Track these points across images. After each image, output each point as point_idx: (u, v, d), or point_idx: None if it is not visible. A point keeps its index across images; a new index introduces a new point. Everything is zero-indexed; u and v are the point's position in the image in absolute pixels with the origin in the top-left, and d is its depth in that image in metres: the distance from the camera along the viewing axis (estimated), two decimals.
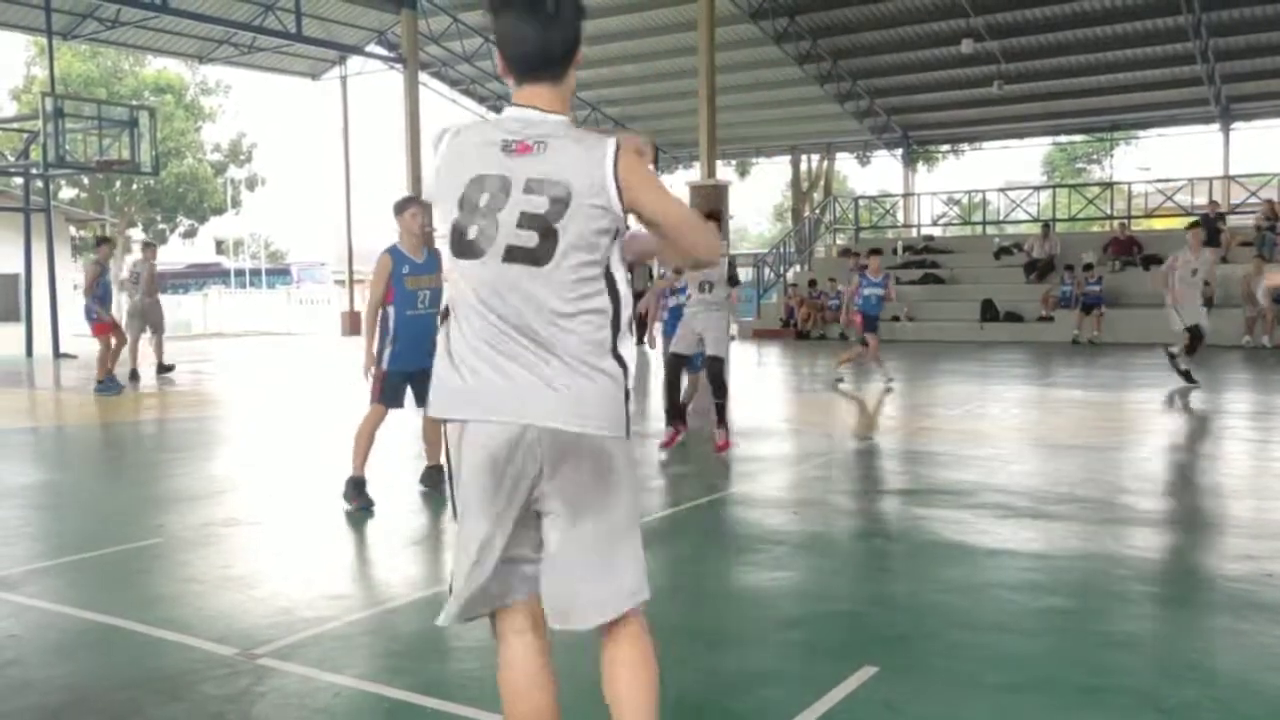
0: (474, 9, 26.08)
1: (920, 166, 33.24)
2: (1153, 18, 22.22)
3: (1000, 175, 49.52)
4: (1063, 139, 36.49)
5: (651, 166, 2.31)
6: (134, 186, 39.15)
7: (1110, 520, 5.51)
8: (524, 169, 2.16)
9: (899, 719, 3.08)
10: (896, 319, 21.77)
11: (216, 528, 5.55)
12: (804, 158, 34.48)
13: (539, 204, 2.14)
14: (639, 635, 2.35)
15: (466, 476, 2.20)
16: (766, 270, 26.62)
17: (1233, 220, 22.05)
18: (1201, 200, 23.52)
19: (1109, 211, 25.42)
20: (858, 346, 12.35)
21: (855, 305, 12.36)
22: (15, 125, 26.60)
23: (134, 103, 27.21)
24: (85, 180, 36.55)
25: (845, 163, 36.23)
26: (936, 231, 26.89)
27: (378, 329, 5.93)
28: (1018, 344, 19.21)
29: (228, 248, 53.11)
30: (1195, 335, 10.67)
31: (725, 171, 30.22)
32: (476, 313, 2.19)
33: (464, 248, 2.20)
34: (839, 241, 27.87)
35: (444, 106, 31.50)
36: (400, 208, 6.06)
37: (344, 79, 29.38)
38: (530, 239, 2.15)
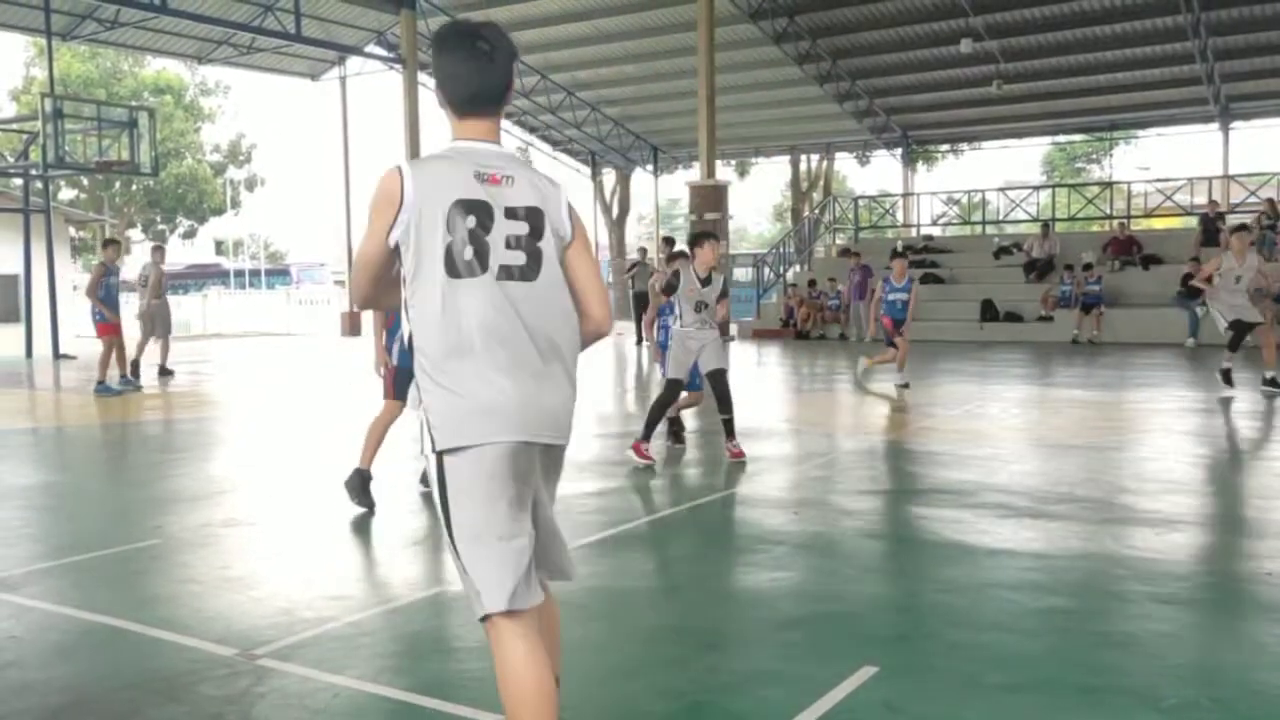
0: (473, 9, 26.09)
1: (920, 166, 33.25)
2: (1152, 17, 22.22)
3: (1000, 175, 49.60)
4: (1062, 138, 36.50)
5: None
6: (133, 187, 39.17)
7: (1110, 520, 5.51)
8: (500, 197, 2.38)
9: (899, 719, 3.08)
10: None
11: (216, 528, 5.55)
12: (803, 158, 34.50)
13: (521, 228, 2.38)
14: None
15: (502, 480, 2.34)
16: (766, 270, 26.62)
17: (1232, 219, 22.04)
18: (1201, 200, 23.52)
19: (1108, 211, 25.42)
20: (889, 349, 12.07)
21: (881, 310, 12.21)
22: (15, 126, 26.61)
23: (133, 103, 27.23)
24: (85, 181, 36.57)
25: (845, 162, 36.29)
26: (936, 231, 26.88)
27: (384, 326, 6.02)
28: (1017, 344, 19.22)
29: (227, 248, 53.14)
30: (1238, 329, 10.49)
31: (725, 171, 30.22)
32: (487, 329, 2.33)
33: (461, 267, 2.34)
34: (838, 241, 27.87)
35: None
36: None
37: (343, 79, 29.37)
38: (519, 258, 2.37)
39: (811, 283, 23.31)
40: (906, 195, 29.63)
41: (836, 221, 28.88)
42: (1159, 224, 26.54)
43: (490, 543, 2.34)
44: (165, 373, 14.75)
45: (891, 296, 12.06)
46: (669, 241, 19.28)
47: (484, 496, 2.33)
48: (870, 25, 24.33)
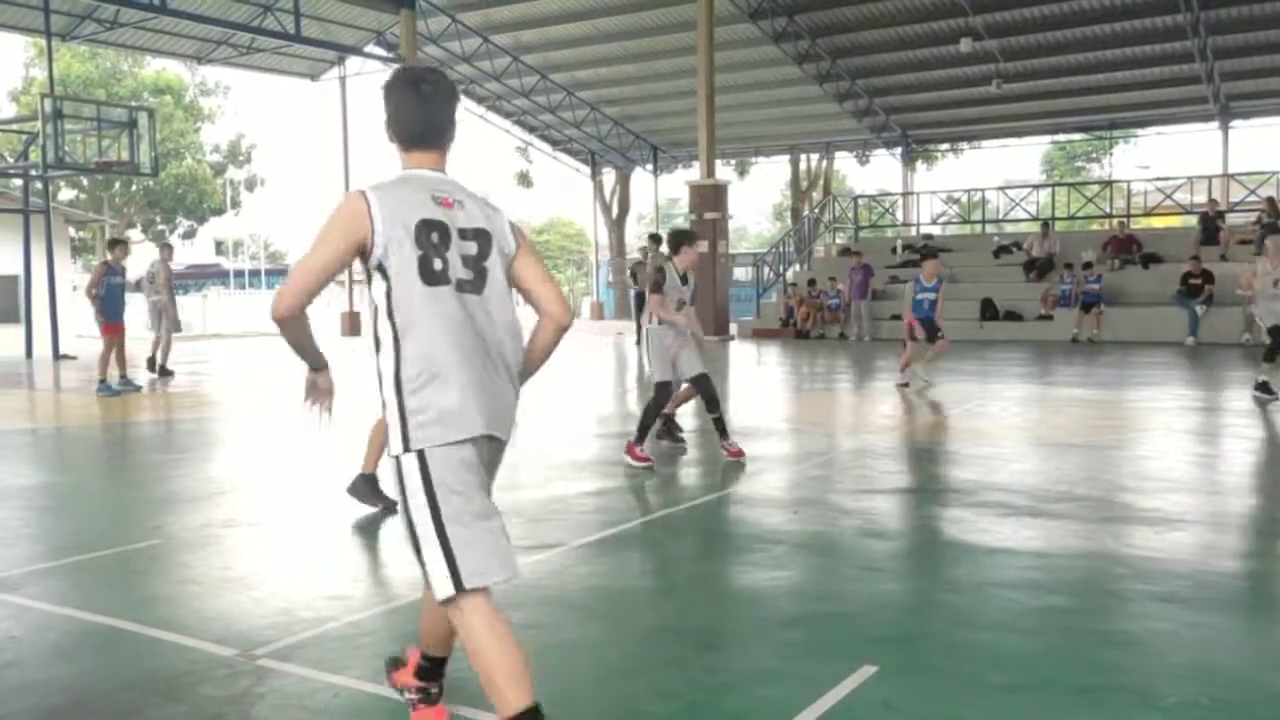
0: (473, 9, 26.11)
1: (919, 165, 33.27)
2: (1151, 16, 22.23)
3: (999, 174, 49.60)
4: (1062, 137, 36.51)
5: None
6: (133, 187, 39.17)
7: (1110, 519, 5.51)
8: (454, 219, 2.64)
9: (899, 718, 3.08)
10: (897, 318, 21.81)
11: (216, 529, 5.55)
12: (803, 157, 34.51)
13: (471, 248, 2.64)
14: None
15: (463, 470, 2.56)
16: (766, 270, 26.62)
17: (1232, 218, 22.05)
18: (1201, 199, 23.53)
19: (1108, 210, 25.43)
20: (930, 349, 11.91)
21: (912, 310, 12.00)
22: (14, 126, 26.61)
23: (133, 104, 27.22)
24: (85, 181, 36.57)
25: (844, 162, 36.29)
26: (936, 230, 26.89)
27: None
28: (1017, 343, 19.22)
29: (227, 248, 53.15)
30: (1276, 336, 10.39)
31: (724, 171, 30.22)
32: (454, 338, 2.58)
33: (434, 276, 2.58)
34: (838, 241, 27.87)
35: None
36: None
37: (343, 79, 29.39)
38: (469, 274, 2.63)
39: (811, 282, 23.32)
40: (906, 194, 29.64)
41: (836, 221, 28.89)
42: (1159, 223, 26.53)
43: (472, 524, 2.54)
44: (165, 373, 14.78)
45: (920, 296, 11.85)
46: (655, 239, 19.34)
47: (463, 485, 2.54)
48: (870, 24, 24.34)
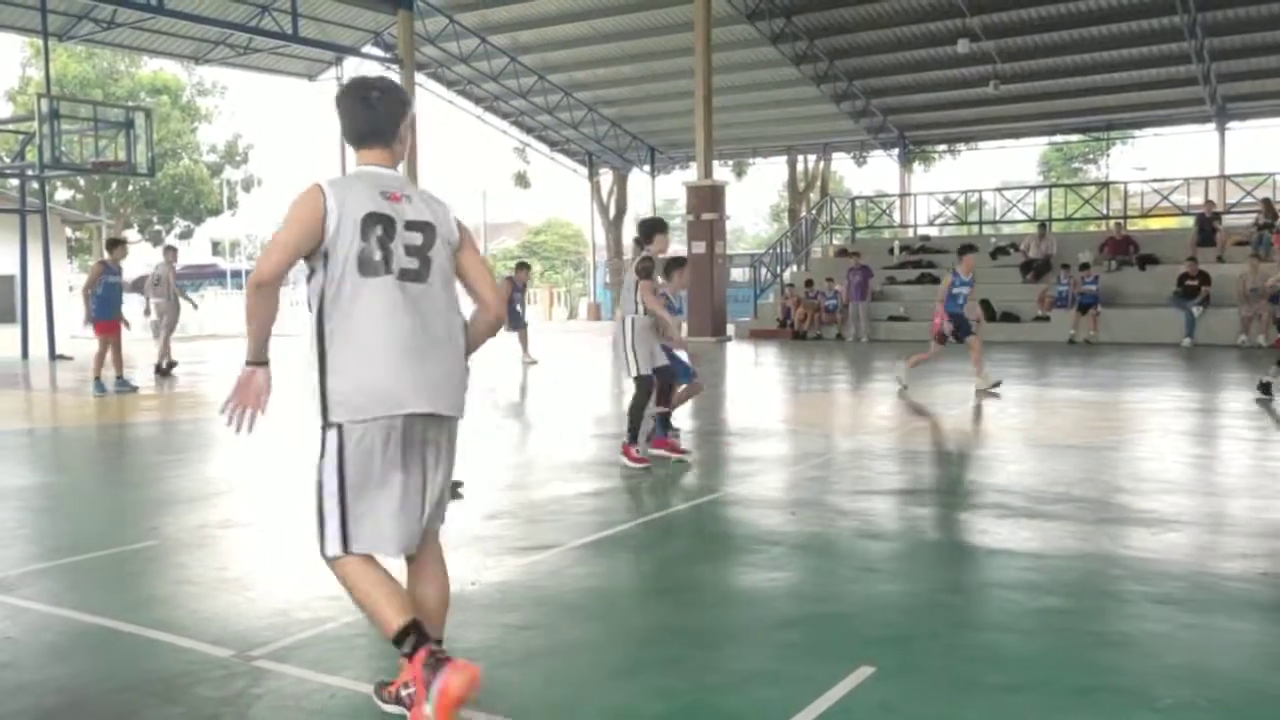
0: (470, 9, 26.10)
1: (916, 166, 33.30)
2: (1148, 17, 22.27)
3: (996, 175, 49.66)
4: (1059, 139, 36.55)
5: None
6: (130, 188, 39.12)
7: (1106, 520, 5.51)
8: (401, 212, 2.89)
9: (896, 719, 3.08)
10: (895, 318, 21.82)
11: (212, 529, 5.54)
12: (800, 158, 34.52)
13: (416, 238, 2.89)
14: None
15: (388, 446, 2.82)
16: (763, 271, 26.63)
17: (1228, 220, 22.08)
18: (1197, 200, 23.56)
19: (1105, 211, 25.47)
20: (975, 341, 11.49)
21: (945, 306, 11.57)
22: (11, 127, 26.55)
23: (130, 104, 27.20)
24: (81, 182, 36.53)
25: (841, 163, 36.32)
26: (933, 231, 26.91)
27: None
28: (1014, 344, 19.23)
29: (224, 249, 53.08)
30: None
31: (722, 172, 30.22)
32: (386, 322, 2.82)
33: (371, 268, 2.83)
34: (835, 242, 27.88)
35: (441, 107, 31.53)
36: None
37: (340, 80, 29.35)
38: (414, 263, 2.88)
39: (809, 283, 23.33)
40: (903, 195, 29.66)
41: (833, 222, 28.91)
42: (1155, 224, 26.57)
43: (374, 498, 2.82)
44: (160, 372, 14.86)
45: (956, 290, 11.46)
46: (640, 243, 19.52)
47: (373, 460, 2.81)
48: (867, 25, 24.36)
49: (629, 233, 40.06)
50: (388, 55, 27.28)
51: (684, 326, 7.87)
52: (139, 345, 19.22)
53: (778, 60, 25.54)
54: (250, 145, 42.81)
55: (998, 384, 11.16)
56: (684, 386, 7.94)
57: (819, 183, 34.87)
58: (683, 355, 7.66)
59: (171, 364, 15.28)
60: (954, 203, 27.50)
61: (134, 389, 13.01)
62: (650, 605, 4.34)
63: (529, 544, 5.22)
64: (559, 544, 5.23)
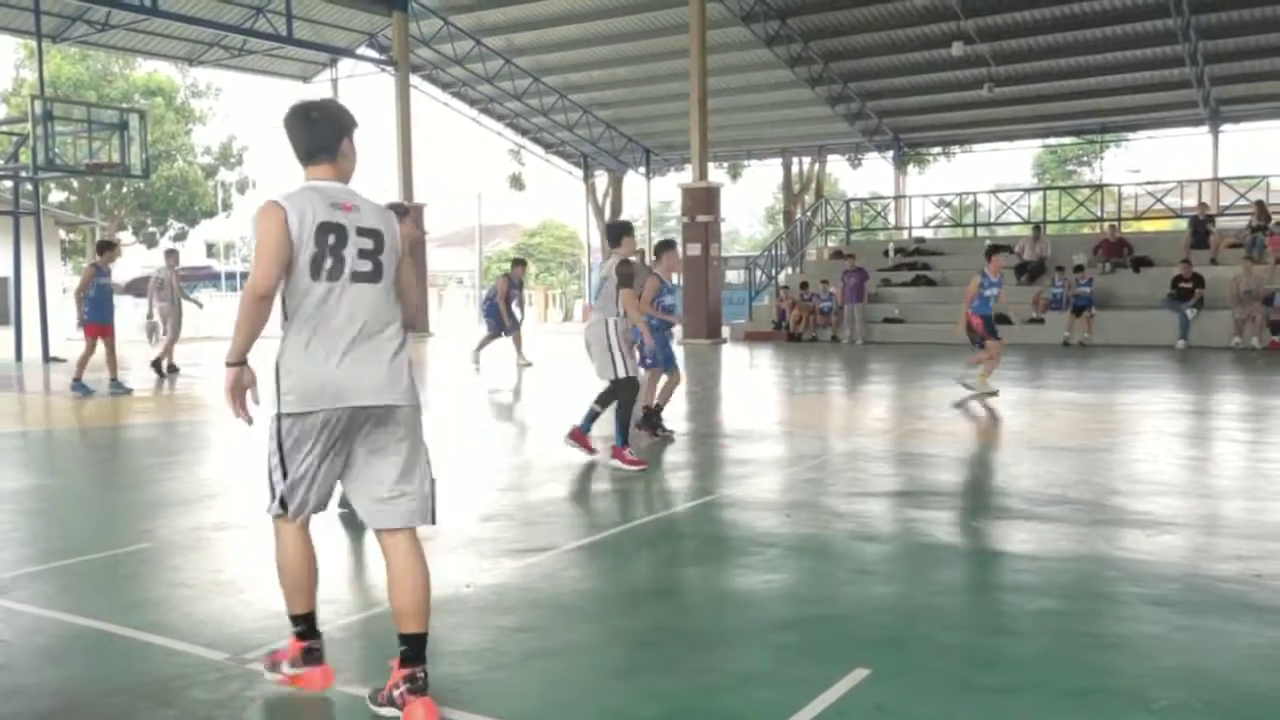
0: (465, 11, 26.09)
1: (911, 169, 33.32)
2: (1142, 20, 22.32)
3: (991, 177, 49.74)
4: (1053, 141, 36.62)
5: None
6: (124, 189, 39.04)
7: (1101, 522, 5.52)
8: (352, 220, 3.17)
9: None
10: (890, 320, 21.84)
11: (206, 532, 5.53)
12: (795, 160, 34.54)
13: (367, 243, 3.18)
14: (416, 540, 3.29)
15: (330, 432, 3.15)
16: (758, 273, 26.65)
17: (1222, 222, 22.14)
18: (1191, 202, 23.63)
19: (1099, 214, 25.53)
20: (983, 352, 11.45)
21: (972, 307, 11.39)
22: (4, 128, 26.47)
23: (124, 105, 27.15)
24: (75, 183, 36.46)
25: (836, 165, 36.33)
26: (928, 234, 26.94)
27: None
28: (1009, 346, 19.22)
29: (218, 251, 53.01)
30: None
31: (717, 174, 30.25)
32: (338, 323, 3.11)
33: (322, 273, 3.10)
34: (830, 244, 27.91)
35: (435, 109, 31.52)
36: (400, 213, 6.12)
37: (335, 82, 29.35)
38: (366, 265, 3.17)
39: (804, 284, 23.34)
40: (898, 198, 29.69)
41: (828, 224, 28.93)
42: (1149, 226, 26.62)
43: (308, 473, 3.19)
44: (158, 370, 14.94)
45: (988, 292, 11.34)
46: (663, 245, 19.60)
47: (312, 444, 3.16)
48: (862, 28, 24.39)
49: None
50: (382, 57, 27.26)
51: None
52: (133, 348, 19.17)
53: (772, 63, 25.56)
54: (245, 147, 42.80)
55: (994, 393, 11.14)
56: (666, 377, 8.05)
57: (814, 185, 34.89)
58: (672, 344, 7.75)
59: (173, 368, 15.27)
60: (949, 205, 27.53)
61: (128, 390, 12.98)
62: (646, 607, 4.33)
63: (525, 546, 5.21)
64: (555, 546, 5.23)
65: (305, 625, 3.34)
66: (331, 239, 3.10)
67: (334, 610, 4.14)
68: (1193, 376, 13.41)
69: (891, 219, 28.70)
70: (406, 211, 6.34)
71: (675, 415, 10.02)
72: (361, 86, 30.96)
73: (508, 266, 17.93)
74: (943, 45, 23.74)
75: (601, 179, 36.10)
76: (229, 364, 3.22)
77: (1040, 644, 3.76)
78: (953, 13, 22.60)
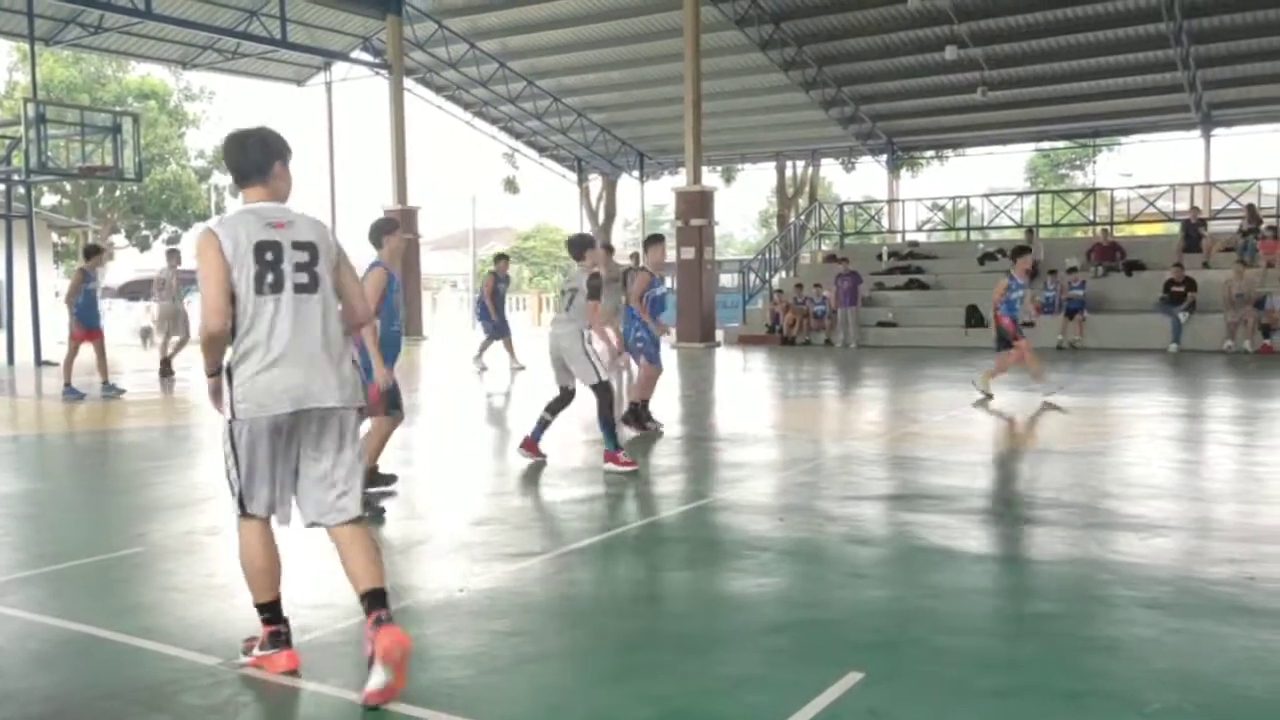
0: (460, 15, 26.08)
1: (904, 172, 33.36)
2: (1134, 25, 22.38)
3: (984, 181, 49.84)
4: (1046, 145, 36.69)
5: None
6: (117, 193, 38.94)
7: (1094, 525, 5.53)
8: (287, 236, 3.42)
9: None
10: (884, 324, 21.86)
11: (199, 536, 5.51)
12: (789, 164, 34.57)
13: (303, 256, 3.42)
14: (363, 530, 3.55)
15: (276, 435, 3.37)
16: (752, 276, 26.67)
17: (1214, 226, 22.20)
18: (1183, 206, 23.69)
19: (1092, 217, 25.57)
20: (1012, 353, 11.31)
21: (1000, 309, 11.23)
22: None
23: (117, 108, 27.09)
24: (68, 187, 36.37)
25: (830, 169, 36.33)
26: (921, 237, 26.96)
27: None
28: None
29: None
30: None
31: (711, 177, 30.26)
32: (282, 332, 3.35)
33: (265, 288, 3.35)
34: (824, 247, 27.93)
35: (429, 112, 31.50)
36: (390, 228, 6.25)
37: (329, 85, 29.30)
38: (304, 277, 3.42)
39: (798, 286, 23.35)
40: (891, 201, 29.73)
41: (822, 227, 28.95)
42: (1142, 230, 26.68)
43: (264, 473, 3.39)
44: (165, 371, 15.04)
45: (1015, 295, 11.24)
46: (609, 249, 20.39)
47: (264, 446, 3.37)
48: (856, 32, 24.43)
49: (618, 238, 40.09)
50: (376, 61, 27.23)
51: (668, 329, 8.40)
52: (125, 352, 19.12)
53: (766, 66, 25.58)
54: None
55: (989, 397, 11.17)
56: (650, 371, 8.33)
57: (807, 188, 34.92)
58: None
59: (169, 371, 15.24)
60: (942, 209, 27.56)
61: (121, 391, 12.97)
62: (639, 611, 4.33)
63: (517, 550, 5.21)
64: (547, 550, 5.23)
65: (270, 612, 3.52)
66: (269, 255, 3.36)
67: (328, 615, 4.13)
68: (1185, 380, 13.44)
69: (885, 222, 28.73)
70: (396, 225, 6.45)
71: (669, 420, 10.03)
72: (356, 90, 31.00)
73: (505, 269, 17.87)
74: (936, 49, 23.77)
75: (596, 182, 36.10)
76: (208, 375, 3.49)
77: (1033, 647, 3.76)
78: (946, 17, 22.65)
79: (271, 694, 3.38)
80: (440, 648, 3.80)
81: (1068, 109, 26.90)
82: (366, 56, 27.68)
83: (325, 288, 3.47)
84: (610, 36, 25.82)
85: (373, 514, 5.85)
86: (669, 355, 18.39)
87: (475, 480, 7.47)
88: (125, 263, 45.48)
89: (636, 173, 34.91)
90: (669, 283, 26.33)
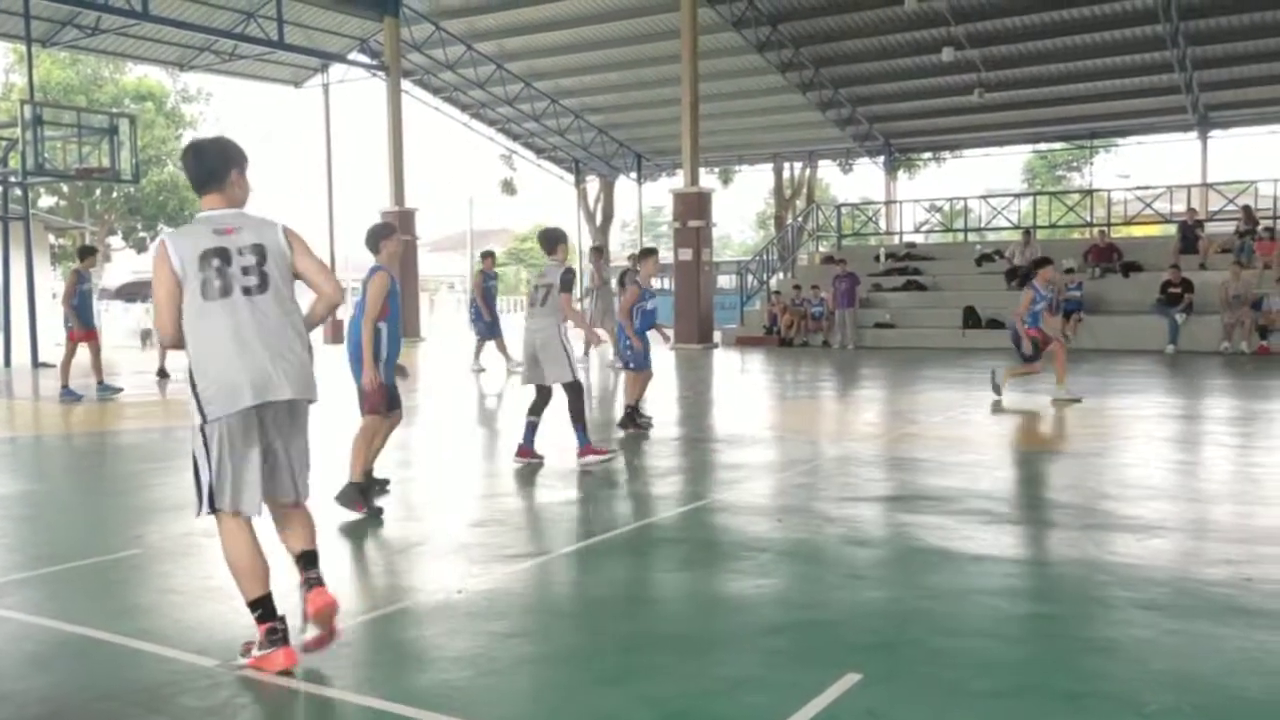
0: (457, 16, 26.08)
1: (902, 174, 33.39)
2: (1131, 26, 22.41)
3: (981, 182, 49.93)
4: (1043, 147, 36.73)
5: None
6: (114, 194, 38.89)
7: (1091, 526, 5.53)
8: (234, 241, 3.57)
9: None
10: (881, 326, 21.87)
11: (197, 538, 5.50)
12: (786, 165, 34.58)
13: (250, 260, 3.56)
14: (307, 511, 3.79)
15: (244, 431, 3.52)
16: (750, 278, 26.68)
17: (1211, 227, 22.23)
18: (1180, 207, 23.72)
19: (1089, 219, 25.59)
20: (1037, 363, 11.23)
21: (1027, 322, 11.09)
22: None
23: (114, 110, 27.05)
24: (65, 188, 36.32)
25: (827, 170, 36.35)
26: (918, 239, 26.98)
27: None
28: (1000, 350, 19.28)
29: None
30: None
31: (708, 179, 30.26)
32: (234, 333, 3.50)
33: (212, 292, 3.52)
34: (822, 249, 27.94)
35: (427, 114, 31.51)
36: (387, 232, 6.30)
37: (326, 87, 29.27)
38: (252, 280, 3.56)
39: (796, 287, 23.35)
40: (889, 203, 29.75)
41: (819, 229, 28.96)
42: (1138, 231, 26.71)
43: (231, 471, 3.52)
44: (165, 374, 15.03)
45: (1039, 306, 11.17)
46: (598, 251, 20.92)
47: (231, 443, 3.51)
48: (852, 34, 24.45)
49: (616, 239, 40.11)
50: (374, 62, 27.21)
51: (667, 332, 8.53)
52: (122, 353, 19.08)
53: (764, 68, 25.60)
54: None
55: (998, 399, 11.23)
56: (640, 375, 8.71)
57: (805, 190, 34.94)
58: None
59: (164, 373, 15.22)
60: (939, 210, 27.58)
61: (118, 390, 12.98)
62: (637, 612, 4.33)
63: (516, 551, 5.21)
64: (546, 551, 5.22)
65: (263, 608, 3.56)
66: (216, 262, 3.53)
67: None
68: (1182, 381, 13.45)
69: (882, 224, 28.74)
70: (394, 230, 6.51)
71: (667, 421, 10.03)
72: (353, 92, 31.00)
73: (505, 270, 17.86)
74: (933, 51, 23.80)
75: (593, 184, 36.10)
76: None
77: (1031, 648, 3.77)
78: (943, 19, 22.67)
79: (269, 695, 3.38)
80: (439, 649, 3.80)
81: (1065, 110, 26.93)
82: (364, 58, 27.66)
83: (276, 285, 3.59)
84: (608, 38, 25.82)
85: (370, 513, 5.88)
86: (668, 357, 18.40)
87: (473, 482, 7.47)
88: (122, 264, 45.46)
89: (634, 174, 34.91)
90: (666, 284, 26.42)
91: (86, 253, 13.70)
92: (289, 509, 3.72)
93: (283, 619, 3.56)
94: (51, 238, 30.84)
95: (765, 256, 27.72)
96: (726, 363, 18.37)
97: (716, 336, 23.16)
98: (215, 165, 3.67)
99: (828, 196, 40.96)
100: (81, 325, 13.00)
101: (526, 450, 7.59)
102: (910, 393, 12.61)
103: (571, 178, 35.58)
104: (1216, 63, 23.59)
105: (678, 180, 24.05)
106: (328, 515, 5.92)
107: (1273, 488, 6.58)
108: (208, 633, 3.95)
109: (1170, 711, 3.15)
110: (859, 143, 30.40)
